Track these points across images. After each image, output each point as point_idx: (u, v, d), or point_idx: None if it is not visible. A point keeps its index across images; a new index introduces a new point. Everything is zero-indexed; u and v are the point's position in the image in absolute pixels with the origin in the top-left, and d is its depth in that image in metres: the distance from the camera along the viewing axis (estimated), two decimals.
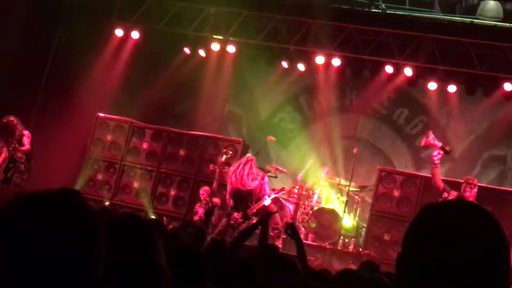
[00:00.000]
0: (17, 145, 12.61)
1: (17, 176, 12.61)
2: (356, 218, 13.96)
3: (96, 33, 15.73)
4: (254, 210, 11.81)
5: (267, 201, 11.88)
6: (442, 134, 15.69)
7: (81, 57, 15.34)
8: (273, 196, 12.19)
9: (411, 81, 14.83)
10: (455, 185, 12.62)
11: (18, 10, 14.73)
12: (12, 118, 12.71)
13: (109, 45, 16.05)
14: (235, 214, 11.90)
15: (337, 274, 5.24)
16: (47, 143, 14.21)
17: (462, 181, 11.83)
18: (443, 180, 11.64)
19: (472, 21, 14.48)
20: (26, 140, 12.78)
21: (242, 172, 11.93)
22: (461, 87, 14.54)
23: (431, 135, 11.14)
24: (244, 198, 11.92)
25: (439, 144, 11.13)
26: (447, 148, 11.32)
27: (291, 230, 6.96)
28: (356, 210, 14.07)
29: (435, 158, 11.01)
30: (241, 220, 11.80)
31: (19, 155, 12.69)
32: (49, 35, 15.50)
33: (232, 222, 11.84)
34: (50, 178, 13.42)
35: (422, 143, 11.41)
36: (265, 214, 7.80)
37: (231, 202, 11.97)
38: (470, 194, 10.99)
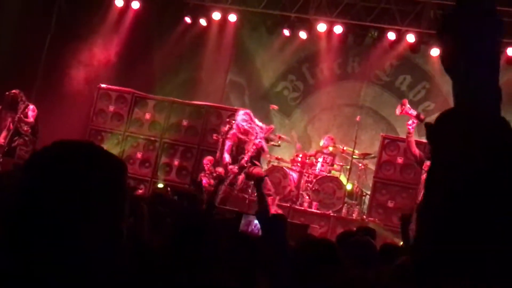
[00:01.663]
0: (22, 116, 12.62)
1: (21, 149, 12.62)
2: (355, 182, 13.95)
3: (97, 3, 15.66)
4: (248, 158, 11.74)
5: (256, 141, 11.83)
6: (444, 101, 15.68)
7: (82, 28, 15.31)
8: (262, 135, 12.05)
9: (413, 48, 14.76)
10: None
11: None
12: (16, 91, 12.70)
13: (110, 15, 16.00)
14: (231, 167, 11.88)
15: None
16: (50, 116, 14.21)
17: None
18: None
19: None
20: (31, 114, 12.79)
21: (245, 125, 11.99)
22: None
23: (407, 104, 11.07)
24: (242, 149, 11.94)
25: (414, 113, 11.05)
26: (422, 117, 11.24)
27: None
28: (358, 176, 14.07)
29: (410, 127, 10.91)
30: (237, 171, 11.84)
31: (25, 128, 12.70)
32: (49, 6, 15.43)
33: (229, 174, 11.86)
34: None
35: (398, 112, 11.27)
36: (258, 179, 7.69)
37: (228, 157, 11.96)
38: None
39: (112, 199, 1.68)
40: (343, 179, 13.72)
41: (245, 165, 11.74)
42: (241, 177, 11.94)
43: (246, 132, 11.92)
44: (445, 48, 1.87)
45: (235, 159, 11.85)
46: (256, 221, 6.15)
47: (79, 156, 1.68)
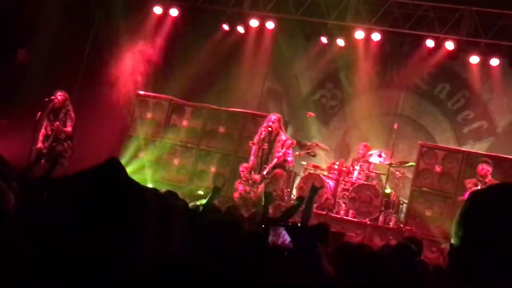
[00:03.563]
0: (60, 125, 12.71)
1: (63, 155, 12.69)
2: (392, 190, 13.86)
3: (135, 11, 15.79)
4: (269, 169, 12.21)
5: (278, 154, 12.08)
6: (484, 109, 15.49)
7: (121, 36, 15.43)
8: (283, 150, 12.27)
9: (452, 55, 14.62)
10: (498, 160, 12.49)
11: None
12: (61, 97, 12.69)
13: (148, 23, 16.12)
14: (253, 174, 12.23)
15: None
16: (88, 123, 14.33)
17: (505, 156, 11.66)
18: (487, 156, 11.72)
19: None
20: (70, 123, 12.86)
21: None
22: (504, 60, 14.29)
23: None
24: (267, 156, 12.17)
25: None
26: None
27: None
28: (396, 185, 13.96)
29: None
30: (259, 180, 12.21)
31: (63, 135, 12.80)
32: (89, 14, 15.60)
33: (251, 180, 12.11)
34: (91, 157, 13.54)
35: None
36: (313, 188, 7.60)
37: (253, 160, 12.41)
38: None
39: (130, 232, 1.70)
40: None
41: (266, 176, 12.06)
42: (261, 186, 12.14)
43: (273, 138, 12.17)
44: None
45: (261, 166, 12.19)
46: (285, 232, 6.06)
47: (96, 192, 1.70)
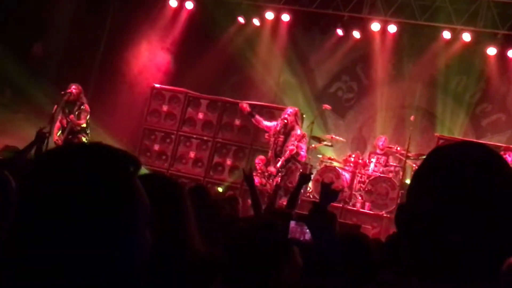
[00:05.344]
0: (74, 118, 12.73)
1: None
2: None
3: (151, 4, 15.81)
4: (282, 163, 12.19)
5: (290, 147, 12.14)
6: (502, 102, 15.38)
7: (136, 28, 15.45)
8: (295, 143, 12.26)
9: (469, 47, 14.51)
10: None
11: None
12: (75, 90, 12.72)
13: (164, 16, 16.13)
14: (269, 168, 12.34)
15: None
16: (104, 115, 14.37)
17: None
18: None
19: None
20: (84, 115, 12.87)
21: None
22: None
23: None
24: (281, 148, 12.23)
25: None
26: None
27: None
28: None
29: None
30: (274, 172, 12.24)
31: (78, 127, 12.82)
32: (104, 6, 15.62)
33: (267, 173, 12.33)
34: None
35: None
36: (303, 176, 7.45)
37: (271, 153, 12.45)
38: None
39: (118, 204, 1.57)
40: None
41: (280, 169, 12.08)
42: (277, 179, 12.17)
43: (288, 131, 12.17)
44: None
45: (275, 159, 12.22)
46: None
47: (80, 158, 1.60)
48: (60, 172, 1.56)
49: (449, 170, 1.61)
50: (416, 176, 1.67)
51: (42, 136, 8.67)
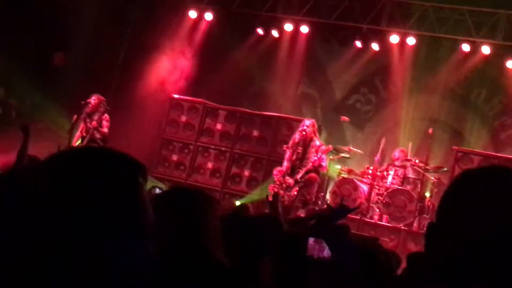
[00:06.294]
0: (97, 125, 12.81)
1: None
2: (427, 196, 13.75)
3: (171, 15, 15.89)
4: (303, 174, 12.24)
5: (313, 159, 12.08)
6: None
7: (156, 39, 15.53)
8: (318, 154, 12.25)
9: (488, 60, 14.46)
10: None
11: None
12: (96, 100, 12.81)
13: (183, 27, 16.21)
14: (287, 178, 12.35)
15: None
16: (123, 125, 14.42)
17: None
18: None
19: None
20: (105, 123, 12.96)
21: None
22: None
23: None
24: (301, 161, 12.24)
25: None
26: None
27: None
28: (431, 190, 13.83)
29: None
30: (292, 184, 12.29)
31: (98, 135, 12.89)
32: (124, 17, 15.72)
33: (284, 184, 12.27)
34: None
35: None
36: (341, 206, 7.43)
37: (287, 164, 12.47)
38: None
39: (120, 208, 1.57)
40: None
41: (299, 180, 12.08)
42: (295, 190, 12.16)
43: (307, 143, 12.18)
44: None
45: (294, 170, 12.22)
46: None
47: (82, 163, 1.61)
48: (60, 174, 1.58)
49: (481, 195, 1.60)
50: (446, 198, 1.66)
51: (26, 129, 8.61)
